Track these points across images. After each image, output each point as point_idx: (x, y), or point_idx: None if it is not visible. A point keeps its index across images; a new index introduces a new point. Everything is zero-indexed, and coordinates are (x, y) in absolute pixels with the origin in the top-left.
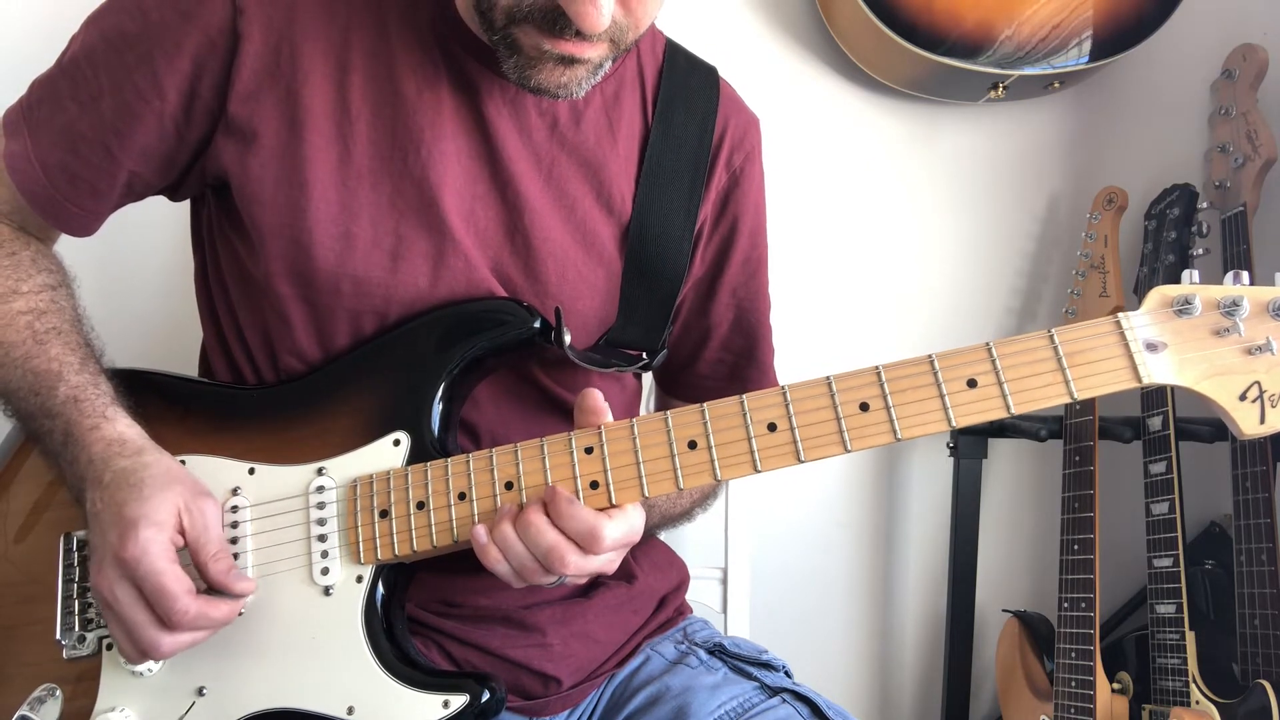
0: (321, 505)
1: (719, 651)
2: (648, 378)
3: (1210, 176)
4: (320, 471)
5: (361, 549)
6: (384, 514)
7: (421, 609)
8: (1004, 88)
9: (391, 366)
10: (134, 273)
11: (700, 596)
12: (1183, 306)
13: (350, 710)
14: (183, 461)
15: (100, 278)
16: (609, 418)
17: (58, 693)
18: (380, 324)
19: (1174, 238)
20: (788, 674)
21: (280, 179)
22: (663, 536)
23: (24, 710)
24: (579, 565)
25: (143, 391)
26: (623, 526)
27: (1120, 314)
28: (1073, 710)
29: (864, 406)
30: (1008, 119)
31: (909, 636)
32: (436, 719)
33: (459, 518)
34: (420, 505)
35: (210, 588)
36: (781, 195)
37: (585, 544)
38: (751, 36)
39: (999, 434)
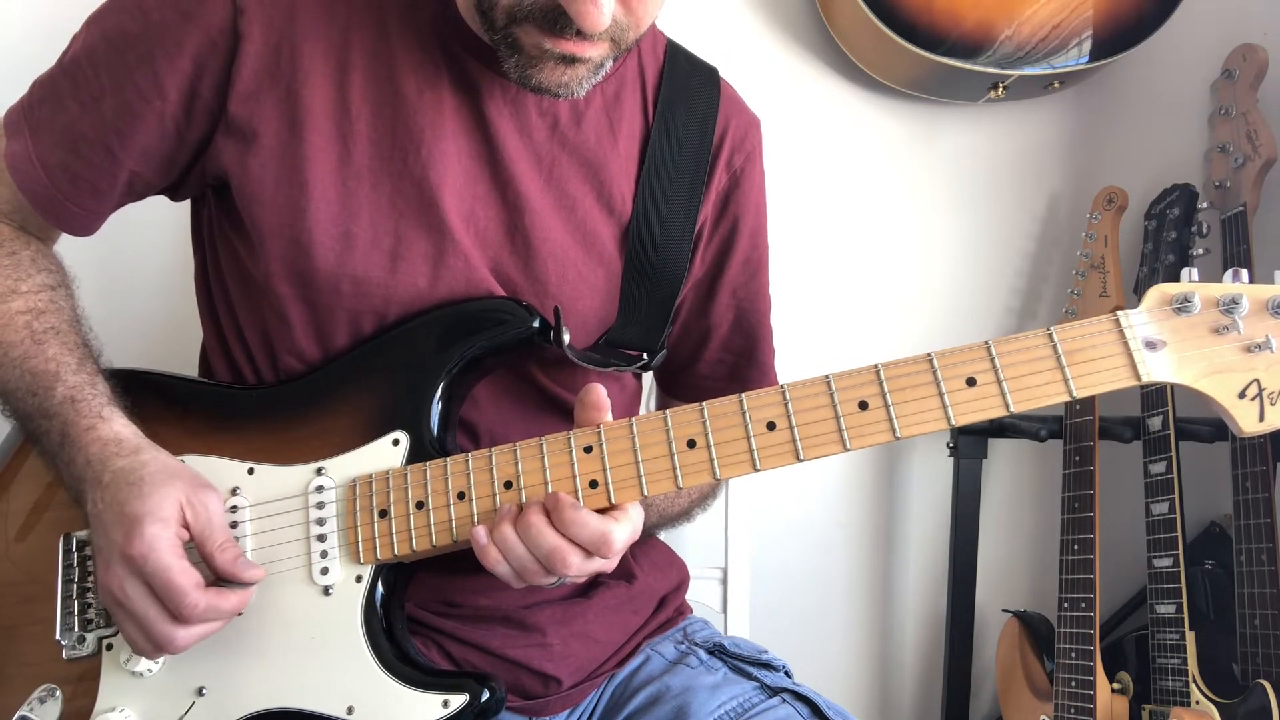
0: (321, 505)
1: (719, 651)
2: (648, 378)
3: (1210, 176)
4: (319, 471)
5: (361, 549)
6: (383, 514)
7: (421, 609)
8: (1004, 88)
9: (390, 366)
10: (134, 273)
11: (700, 596)
12: (1182, 304)
13: (350, 710)
14: (182, 461)
15: (100, 278)
16: (609, 415)
17: (58, 693)
18: (379, 324)
19: (1174, 238)
20: (788, 674)
21: (280, 179)
22: (662, 536)
23: (24, 710)
24: (581, 566)
25: (141, 392)
26: (628, 528)
27: (1119, 312)
28: (1073, 710)
29: (863, 405)
30: (1008, 119)
31: (909, 636)
32: (436, 718)
33: (458, 517)
34: (419, 505)
35: (218, 578)
36: (782, 195)
37: (596, 549)
38: (751, 36)
39: (999, 434)
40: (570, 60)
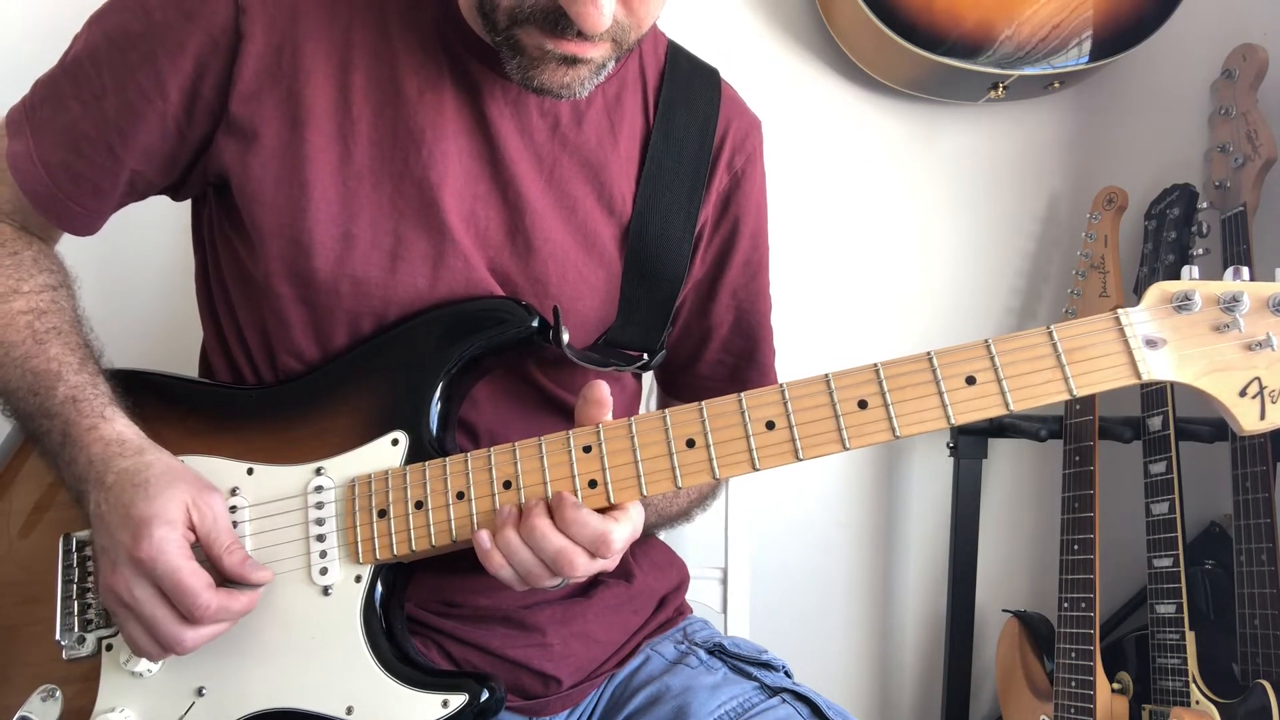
0: (320, 505)
1: (719, 651)
2: (647, 378)
3: (1210, 176)
4: (319, 471)
5: (360, 549)
6: (382, 514)
7: (421, 609)
8: (1004, 88)
9: (390, 366)
10: (135, 273)
11: (700, 596)
12: (1182, 302)
13: (349, 710)
14: (182, 461)
15: (101, 278)
16: (610, 413)
17: (58, 693)
18: (379, 324)
19: (1174, 238)
20: (788, 674)
21: (281, 179)
22: (662, 536)
23: (24, 710)
24: (587, 567)
25: (141, 392)
26: (628, 528)
27: (1120, 310)
28: (1073, 710)
29: (862, 404)
30: (1008, 119)
31: (909, 636)
32: (436, 719)
33: (457, 517)
34: (419, 505)
35: (225, 580)
36: (782, 195)
37: (595, 549)
38: (751, 36)
39: (999, 434)
40: (572, 61)
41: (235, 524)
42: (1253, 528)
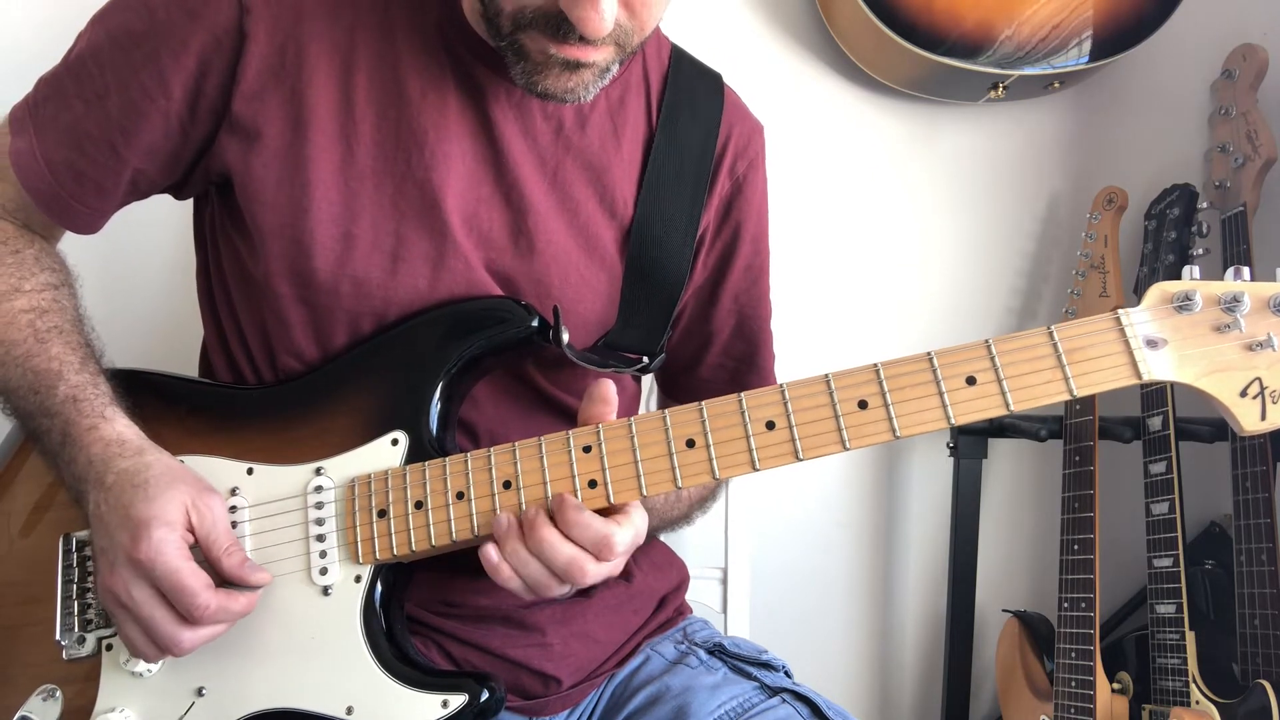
0: (320, 505)
1: (719, 651)
2: (647, 380)
3: (1210, 176)
4: (318, 471)
5: (360, 549)
6: (382, 514)
7: (421, 608)
8: (1004, 88)
9: (389, 366)
10: (135, 272)
11: (700, 596)
12: (1183, 302)
13: (349, 710)
14: (181, 461)
15: (102, 277)
16: (614, 413)
17: (58, 693)
18: (379, 325)
19: (1174, 238)
20: (788, 674)
21: (283, 179)
22: (662, 537)
23: (24, 710)
24: (596, 574)
25: (141, 392)
26: (629, 532)
27: (1120, 310)
28: (1073, 710)
29: (863, 404)
30: (1008, 119)
31: (909, 636)
32: (436, 719)
33: (457, 517)
34: (419, 505)
35: (224, 582)
36: (782, 196)
37: (597, 552)
38: (751, 36)
39: (999, 434)
40: (575, 66)
41: (235, 524)
42: (1253, 528)
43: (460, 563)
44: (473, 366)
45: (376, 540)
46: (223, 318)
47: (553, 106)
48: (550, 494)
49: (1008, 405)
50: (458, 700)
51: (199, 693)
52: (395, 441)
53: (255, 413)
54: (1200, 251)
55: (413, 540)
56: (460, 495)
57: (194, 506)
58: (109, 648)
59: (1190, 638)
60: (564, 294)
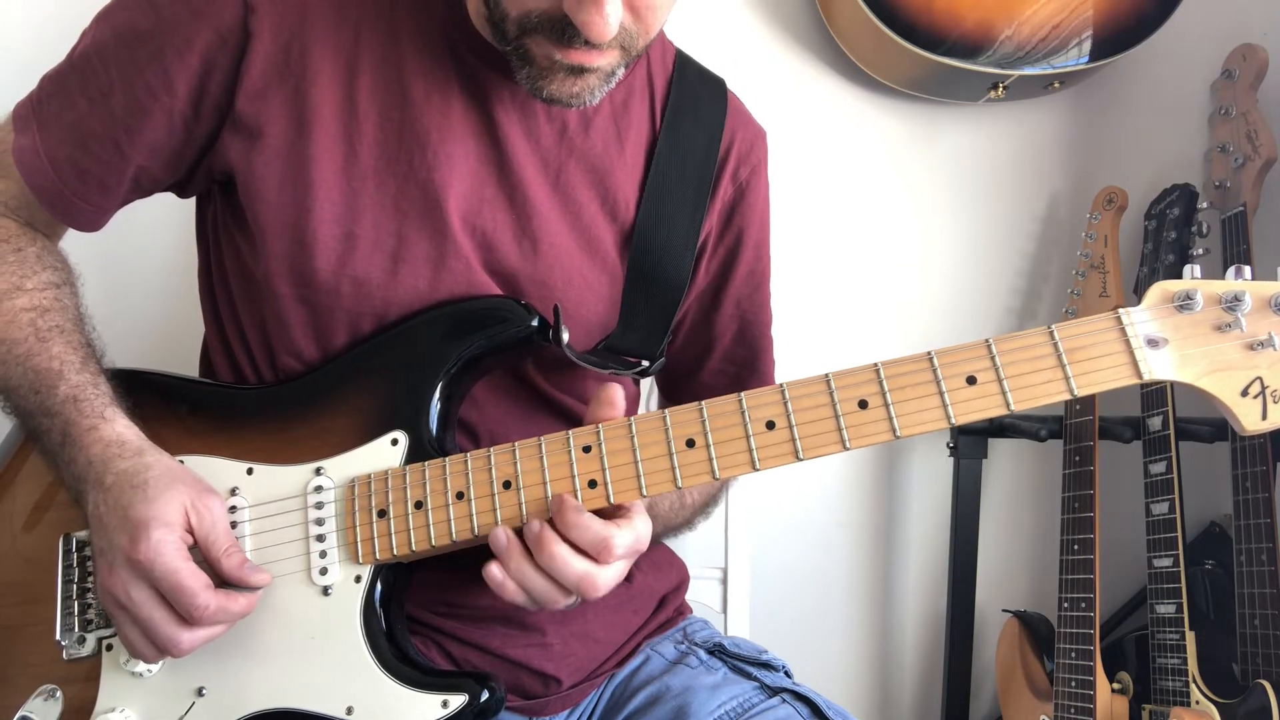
0: (320, 505)
1: (719, 651)
2: (647, 381)
3: (1210, 176)
4: (318, 471)
5: (360, 549)
6: (382, 514)
7: (421, 608)
8: (1004, 88)
9: (389, 366)
10: (136, 272)
11: (700, 596)
12: (1184, 302)
13: (349, 710)
14: (181, 462)
15: (103, 277)
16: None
17: (59, 693)
18: (379, 326)
19: (1174, 238)
20: (788, 674)
21: (285, 178)
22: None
23: (25, 710)
24: (607, 585)
25: (141, 392)
26: (630, 535)
27: (1121, 309)
28: (1073, 710)
29: (863, 404)
30: (1008, 119)
31: (909, 636)
32: (436, 719)
33: (457, 517)
34: (418, 505)
35: (224, 583)
36: (782, 196)
37: (597, 554)
38: (751, 36)
39: (999, 434)
40: (580, 71)
41: (235, 524)
42: (1253, 528)
43: (460, 562)
44: (473, 366)
45: (376, 540)
46: (224, 317)
47: (557, 109)
48: (550, 494)
49: (1008, 405)
50: (458, 700)
51: (199, 693)
52: (395, 441)
53: (255, 413)
54: (1200, 251)
55: (413, 540)
56: (460, 495)
57: (193, 507)
58: (109, 648)
59: (1190, 638)
60: (566, 295)
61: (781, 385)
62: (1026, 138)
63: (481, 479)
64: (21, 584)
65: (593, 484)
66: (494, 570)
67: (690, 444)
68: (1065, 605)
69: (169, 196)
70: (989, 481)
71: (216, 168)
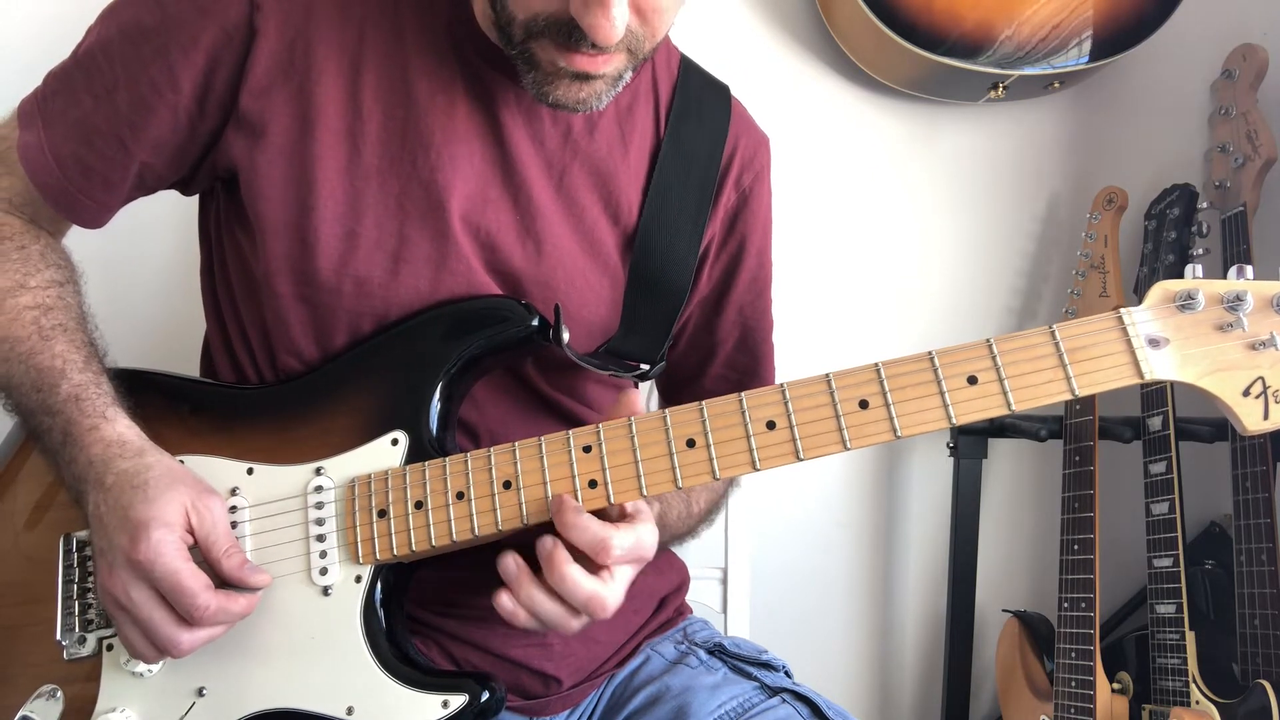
0: (320, 505)
1: (719, 651)
2: (647, 384)
3: (1210, 176)
4: (318, 471)
5: (360, 549)
6: (382, 514)
7: (421, 608)
8: (1004, 88)
9: (390, 365)
10: (137, 272)
11: (700, 596)
12: (1185, 301)
13: (350, 710)
14: (181, 461)
15: (105, 276)
16: None
17: (59, 693)
18: (379, 326)
19: (1174, 238)
20: (788, 674)
21: (288, 176)
22: None
23: (25, 710)
24: (616, 603)
25: (143, 391)
26: (630, 537)
27: (1122, 309)
28: (1073, 710)
29: (863, 404)
30: (1008, 119)
31: (909, 636)
32: (436, 719)
33: (457, 517)
34: (419, 505)
35: (224, 583)
36: (782, 196)
37: (595, 554)
38: (751, 36)
39: (999, 434)
40: (585, 77)
41: (235, 524)
42: (1253, 528)
43: (461, 562)
44: (473, 366)
45: (376, 540)
46: (225, 315)
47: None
48: (550, 494)
49: (1009, 405)
50: (458, 700)
51: (199, 693)
52: (395, 441)
53: (255, 412)
54: (1200, 251)
55: (413, 540)
56: (460, 495)
57: (193, 508)
58: (110, 648)
59: (1190, 638)
60: (569, 297)
61: (782, 385)
62: (1026, 138)
63: (482, 479)
64: (22, 584)
65: (593, 484)
66: (504, 600)
67: (691, 444)
68: (1065, 605)
69: (171, 195)
70: (989, 481)
71: (220, 165)
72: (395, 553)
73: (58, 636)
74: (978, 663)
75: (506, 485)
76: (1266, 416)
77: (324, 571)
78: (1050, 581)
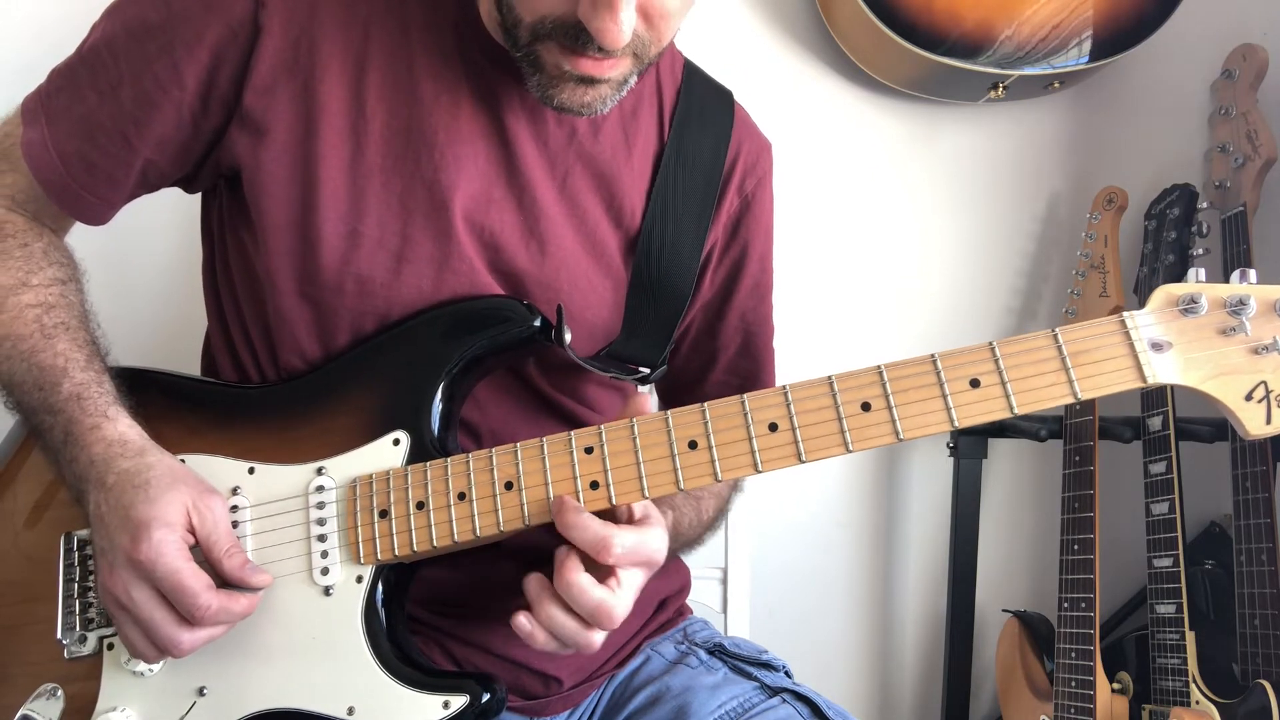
0: (321, 505)
1: (719, 651)
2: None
3: (1210, 176)
4: (320, 471)
5: (361, 549)
6: (384, 514)
7: (422, 608)
8: (1004, 88)
9: (391, 365)
10: (139, 271)
11: (700, 596)
12: (1188, 305)
13: (350, 711)
14: (182, 460)
15: (106, 275)
16: None
17: (59, 692)
18: (381, 325)
19: (1174, 238)
20: (788, 674)
21: (291, 174)
22: None
23: (26, 709)
24: (624, 612)
25: (144, 390)
26: (632, 538)
27: (1125, 313)
28: (1073, 710)
29: (866, 406)
30: (1008, 119)
31: (909, 636)
32: (437, 719)
33: (459, 518)
34: (420, 505)
35: (225, 584)
36: (782, 196)
37: (596, 553)
38: (751, 36)
39: (999, 434)
40: (590, 81)
41: (236, 524)
42: (1253, 528)
43: (462, 562)
44: (475, 366)
45: (378, 540)
46: (227, 314)
47: None
48: (552, 495)
49: (1011, 408)
50: (459, 701)
51: (200, 692)
52: (397, 441)
53: (257, 412)
54: (1200, 252)
55: (414, 541)
56: (462, 496)
57: (195, 508)
58: (110, 647)
59: (1190, 638)
60: (572, 299)
61: (784, 387)
62: (1026, 138)
63: (483, 480)
64: (22, 583)
65: (595, 485)
66: (522, 620)
67: (693, 445)
68: (1065, 605)
69: (173, 194)
70: (989, 481)
71: (223, 163)
72: (396, 553)
73: (58, 635)
74: (978, 663)
75: (508, 486)
76: (1269, 421)
77: (325, 571)
78: (1050, 581)
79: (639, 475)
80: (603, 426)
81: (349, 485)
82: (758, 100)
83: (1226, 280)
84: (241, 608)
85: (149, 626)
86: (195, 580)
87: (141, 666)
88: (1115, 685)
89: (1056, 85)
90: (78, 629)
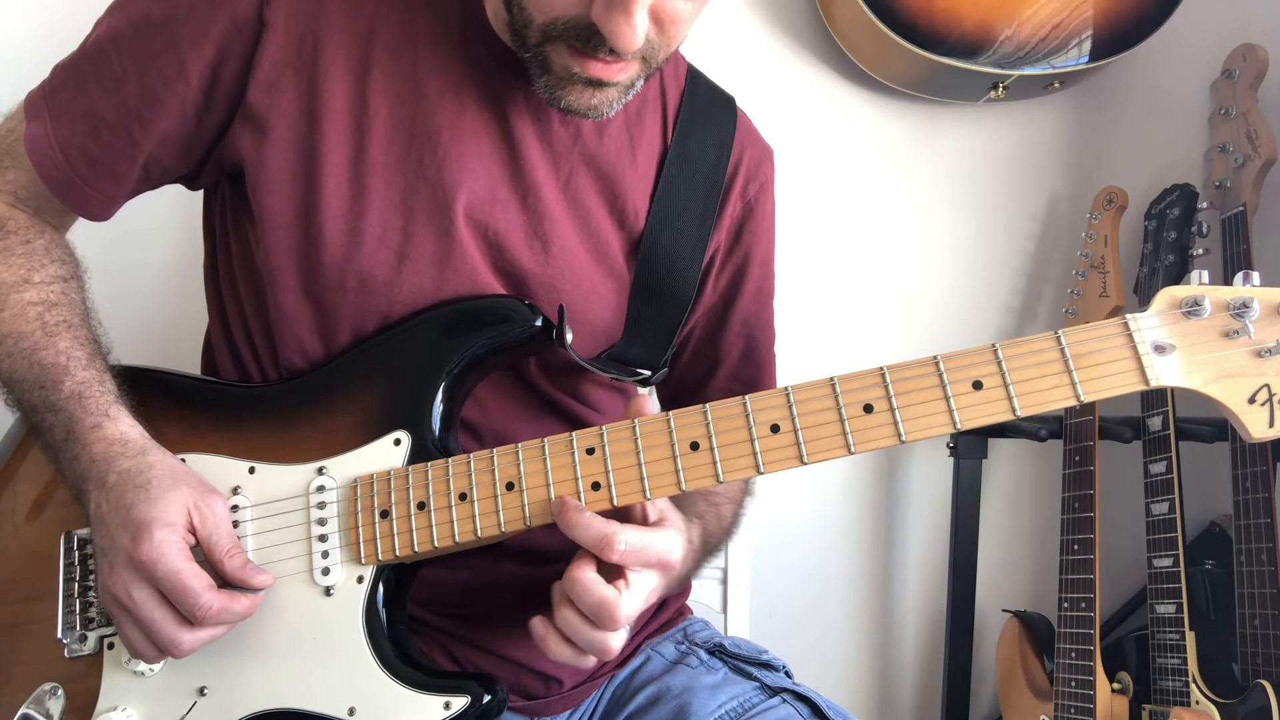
0: (322, 505)
1: (719, 651)
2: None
3: (1210, 176)
4: (321, 471)
5: (362, 549)
6: (384, 514)
7: (423, 608)
8: (1004, 88)
9: (392, 364)
10: (140, 269)
11: (700, 596)
12: (1191, 308)
13: (351, 711)
14: (183, 460)
15: (107, 273)
16: None
17: (60, 691)
18: (383, 324)
19: (1174, 238)
20: (788, 674)
21: (294, 171)
22: None
23: (26, 709)
24: (628, 614)
25: (145, 389)
26: (637, 537)
27: (1128, 316)
28: (1073, 710)
29: (868, 408)
30: (1008, 119)
31: (909, 636)
32: (438, 719)
33: (460, 518)
34: (421, 505)
35: (226, 584)
36: (782, 196)
37: (598, 551)
38: (751, 36)
39: (999, 434)
40: (598, 84)
41: (237, 523)
42: (1253, 528)
43: (463, 563)
44: (476, 366)
45: (379, 541)
46: (228, 311)
47: None
48: (553, 496)
49: (1014, 410)
50: (460, 702)
51: (201, 692)
52: (398, 441)
53: (258, 411)
54: (1200, 252)
55: (415, 541)
56: (463, 496)
57: (196, 508)
58: (111, 646)
59: (1190, 638)
60: (574, 299)
61: (786, 388)
62: (1026, 138)
63: (484, 480)
64: (22, 581)
65: (596, 486)
66: (536, 624)
67: (694, 447)
68: (1065, 605)
69: (175, 191)
70: (989, 481)
71: (226, 159)
72: (397, 553)
73: (59, 634)
74: (978, 663)
75: (509, 487)
76: (1272, 424)
77: (326, 571)
78: (1050, 581)
79: (640, 476)
80: (604, 427)
81: (350, 485)
82: (758, 100)
83: (1227, 281)
84: (242, 608)
85: (149, 626)
86: (196, 580)
87: (142, 666)
88: (1115, 685)
89: (1056, 85)
90: (78, 628)
